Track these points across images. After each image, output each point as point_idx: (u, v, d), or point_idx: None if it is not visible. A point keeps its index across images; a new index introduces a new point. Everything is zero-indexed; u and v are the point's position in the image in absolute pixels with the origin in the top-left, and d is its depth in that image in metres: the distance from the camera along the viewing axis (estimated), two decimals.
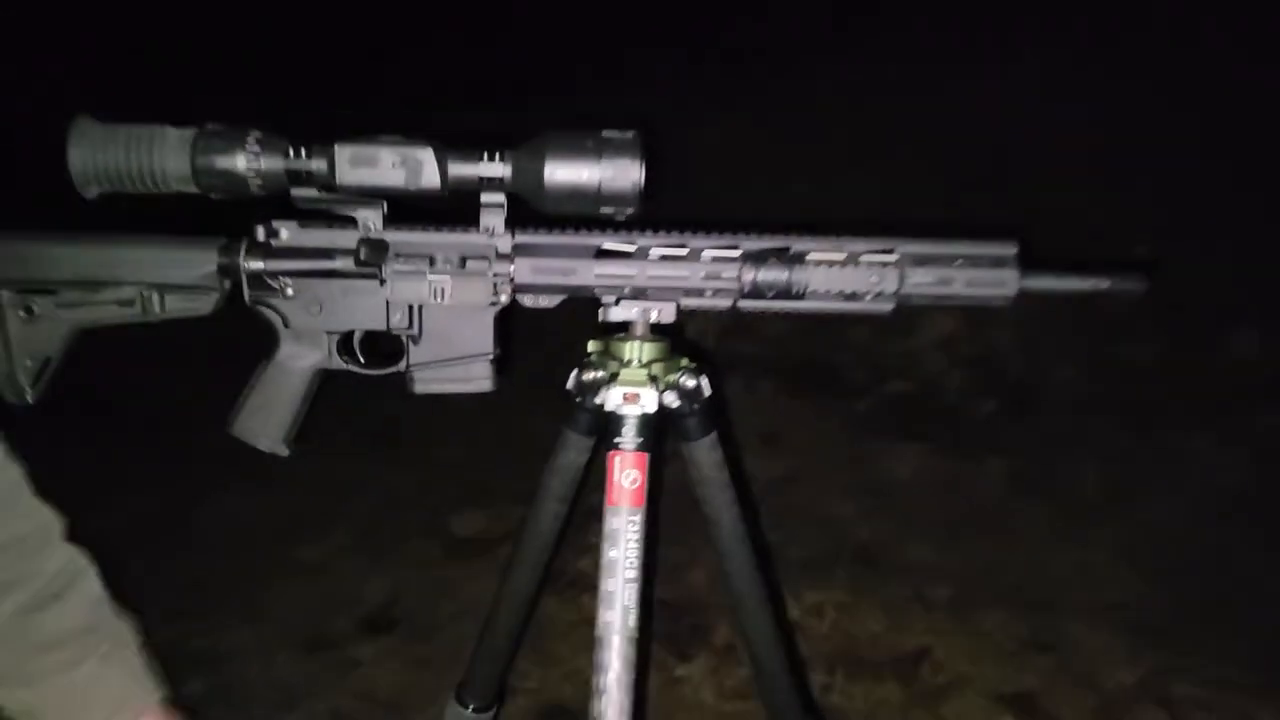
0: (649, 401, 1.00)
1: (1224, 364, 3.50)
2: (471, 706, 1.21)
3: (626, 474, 0.99)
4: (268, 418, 1.02)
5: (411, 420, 3.45)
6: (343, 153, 0.94)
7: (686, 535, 3.03)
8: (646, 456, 1.00)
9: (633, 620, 0.98)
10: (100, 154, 0.93)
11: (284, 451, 1.03)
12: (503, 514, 3.24)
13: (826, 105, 4.56)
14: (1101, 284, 1.02)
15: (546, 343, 1.22)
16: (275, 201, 0.97)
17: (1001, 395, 3.68)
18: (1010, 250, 1.02)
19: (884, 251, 1.01)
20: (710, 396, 1.05)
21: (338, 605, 2.97)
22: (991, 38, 4.51)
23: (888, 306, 1.02)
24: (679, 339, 1.06)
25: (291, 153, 0.94)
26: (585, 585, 2.99)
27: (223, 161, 0.93)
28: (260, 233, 1.00)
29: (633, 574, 0.98)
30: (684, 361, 1.05)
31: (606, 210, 0.96)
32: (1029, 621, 2.64)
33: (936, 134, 4.16)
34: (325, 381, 1.05)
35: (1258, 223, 3.51)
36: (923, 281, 1.01)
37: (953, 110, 4.24)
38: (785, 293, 1.00)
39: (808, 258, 1.00)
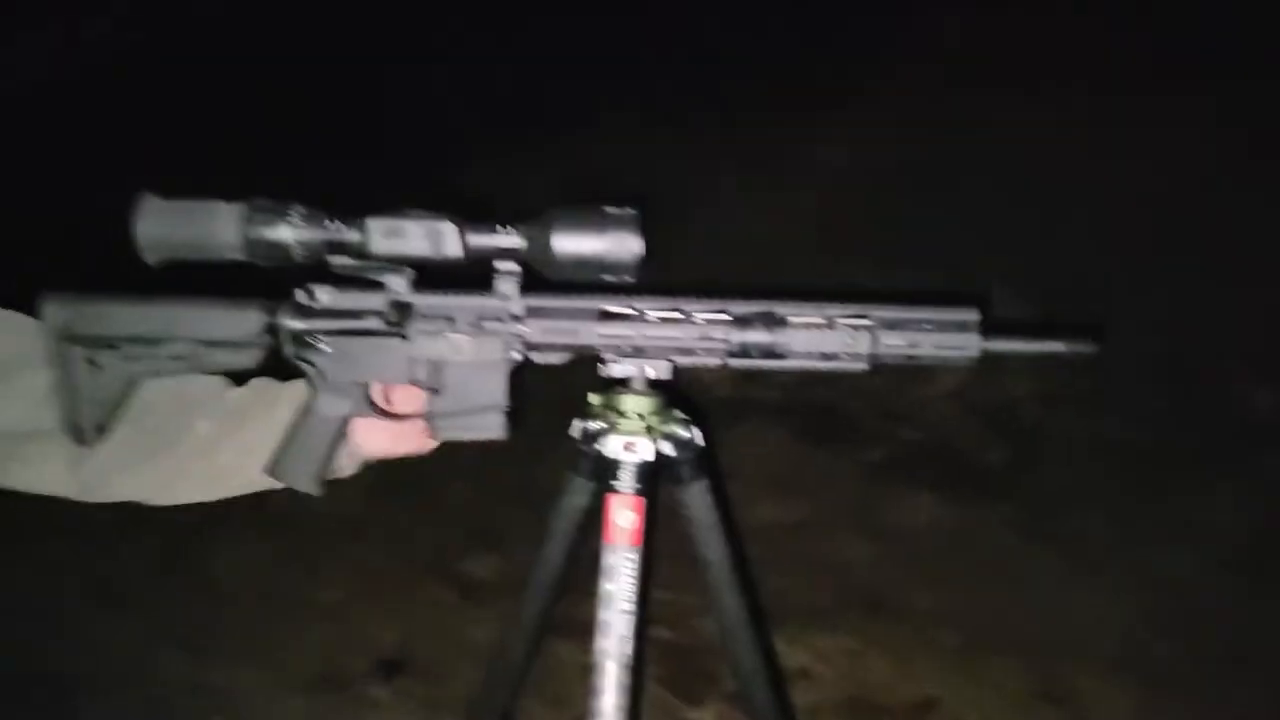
0: (645, 450, 1.13)
1: (1237, 413, 3.58)
2: None
3: (623, 515, 1.12)
4: (303, 461, 1.15)
5: (420, 465, 3.58)
6: (375, 226, 1.08)
7: (697, 581, 3.12)
8: (643, 500, 1.13)
9: (628, 649, 1.10)
10: (162, 226, 1.07)
11: (317, 491, 1.16)
12: (514, 557, 3.35)
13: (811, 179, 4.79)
14: (1056, 347, 1.14)
15: (553, 395, 1.34)
16: (314, 268, 1.11)
17: (1014, 444, 3.77)
18: (973, 316, 1.14)
19: (858, 316, 1.14)
20: (702, 446, 1.18)
21: (350, 647, 3.07)
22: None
23: (862, 366, 1.15)
24: (674, 393, 1.19)
25: (329, 225, 1.08)
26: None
27: (269, 233, 1.07)
28: (300, 295, 1.14)
29: (628, 606, 1.10)
30: (678, 413, 1.18)
31: (608, 277, 1.10)
32: (1040, 672, 2.70)
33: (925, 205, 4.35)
34: None
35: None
36: (894, 344, 1.14)
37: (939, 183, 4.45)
38: (769, 353, 1.13)
39: (790, 321, 1.13)
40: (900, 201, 4.59)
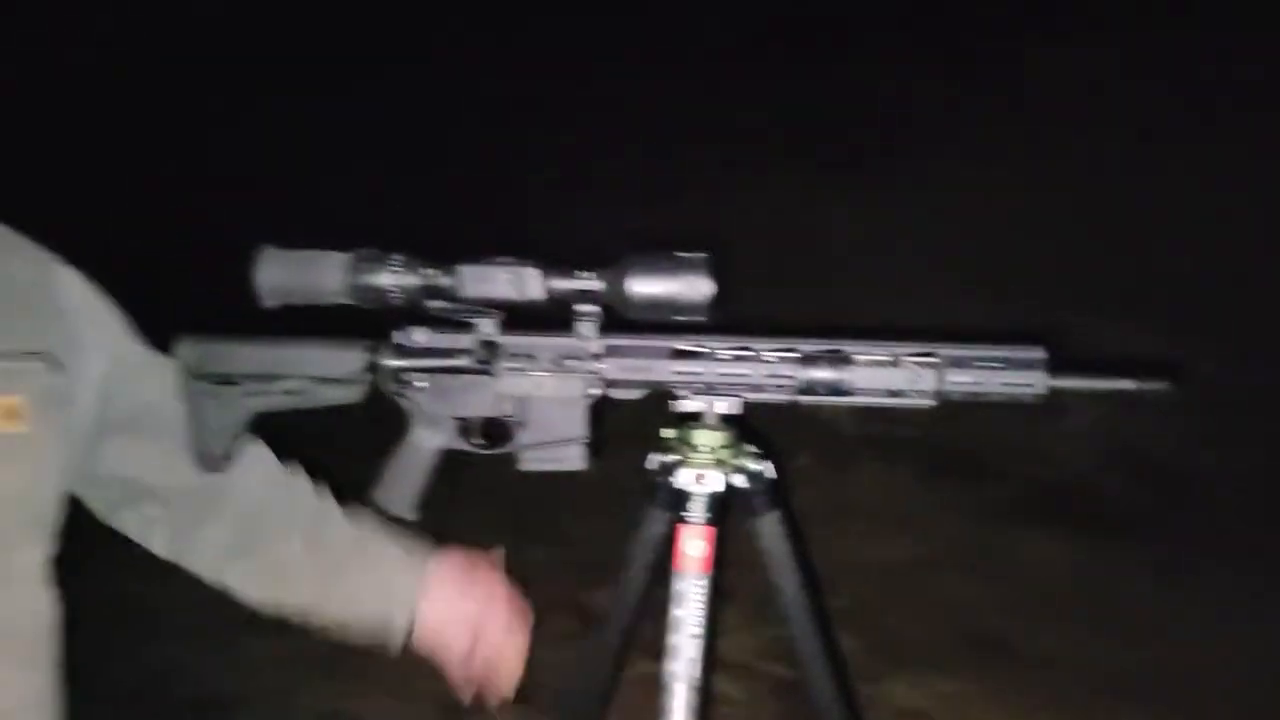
0: (715, 482, 1.20)
1: None
2: None
3: (693, 544, 1.19)
4: (400, 489, 1.27)
5: (546, 501, 3.70)
6: (466, 271, 1.19)
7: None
8: (712, 530, 1.20)
9: (697, 672, 1.16)
10: (278, 274, 1.20)
11: (412, 517, 1.27)
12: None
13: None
14: (1126, 384, 1.16)
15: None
16: (411, 310, 1.23)
17: (1146, 484, 3.68)
18: (1039, 354, 1.18)
19: (925, 354, 1.19)
20: (773, 479, 1.24)
21: None
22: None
23: (929, 402, 1.20)
24: (745, 427, 1.25)
25: (425, 271, 1.20)
26: (715, 665, 3.14)
27: (372, 279, 1.19)
28: (398, 336, 1.25)
29: (696, 631, 1.17)
30: (749, 448, 1.25)
31: (681, 318, 1.18)
32: None
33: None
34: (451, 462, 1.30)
35: None
36: (960, 380, 1.18)
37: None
38: (835, 389, 1.18)
39: (856, 359, 1.19)
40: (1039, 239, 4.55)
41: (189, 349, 1.23)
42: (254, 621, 3.54)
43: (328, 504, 1.34)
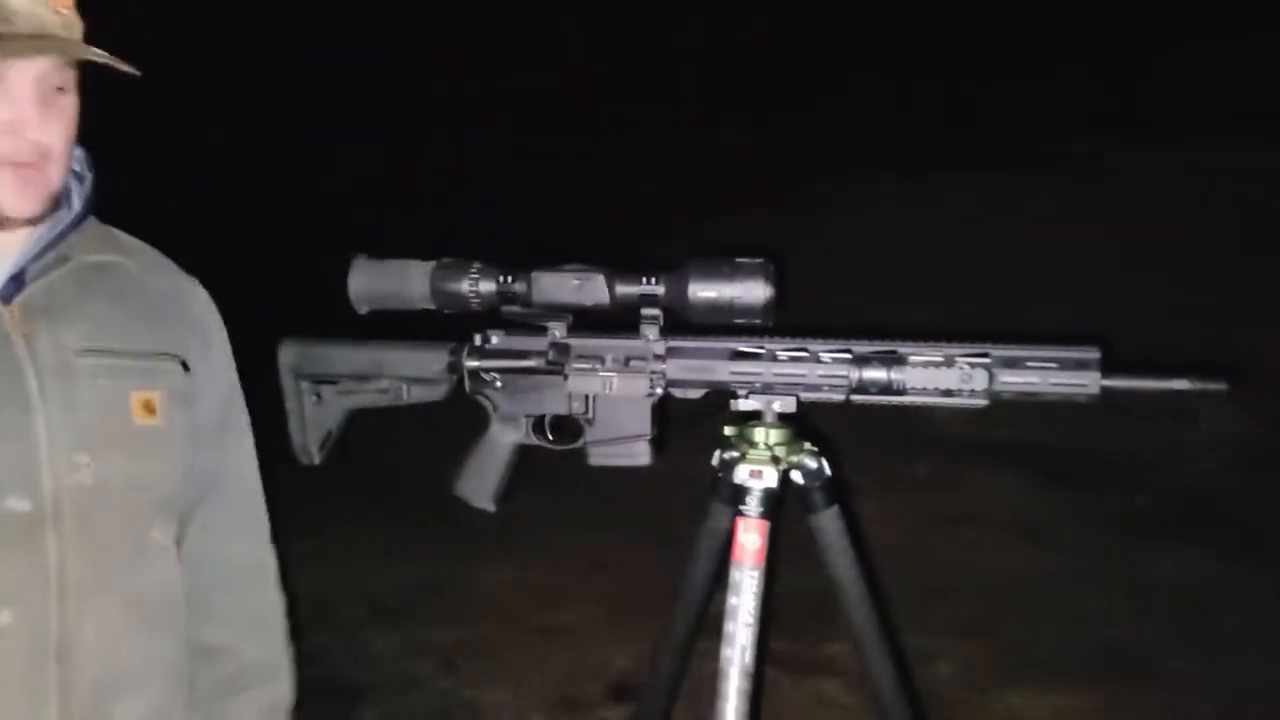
0: (770, 478, 1.26)
1: None
2: None
3: (749, 537, 1.25)
4: (480, 481, 1.37)
5: (656, 502, 3.79)
6: (538, 278, 1.29)
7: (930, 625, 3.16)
8: (766, 524, 1.26)
9: (749, 658, 1.23)
10: (370, 282, 1.33)
11: (491, 508, 1.38)
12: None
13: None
14: (1181, 384, 1.18)
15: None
16: (489, 314, 1.33)
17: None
18: (1093, 354, 1.20)
19: (978, 355, 1.23)
20: (830, 475, 1.30)
21: (588, 671, 3.31)
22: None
23: (981, 402, 1.23)
24: (803, 424, 1.31)
25: (501, 279, 1.30)
26: (829, 671, 3.17)
27: (453, 286, 1.30)
28: (477, 339, 1.35)
29: (750, 620, 1.23)
30: (807, 445, 1.31)
31: (740, 320, 1.25)
32: None
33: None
34: (525, 457, 1.40)
35: None
36: (1011, 381, 1.22)
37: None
38: (887, 389, 1.24)
39: (909, 359, 1.24)
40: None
41: (290, 351, 1.37)
42: (380, 615, 3.76)
43: None
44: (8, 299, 1.12)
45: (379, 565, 4.03)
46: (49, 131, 1.08)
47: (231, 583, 1.32)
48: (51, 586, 1.12)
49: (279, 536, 1.37)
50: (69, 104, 1.10)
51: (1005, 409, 3.62)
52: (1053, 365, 1.21)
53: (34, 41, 1.04)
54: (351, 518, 4.18)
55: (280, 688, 1.34)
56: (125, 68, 1.07)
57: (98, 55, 1.07)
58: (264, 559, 1.35)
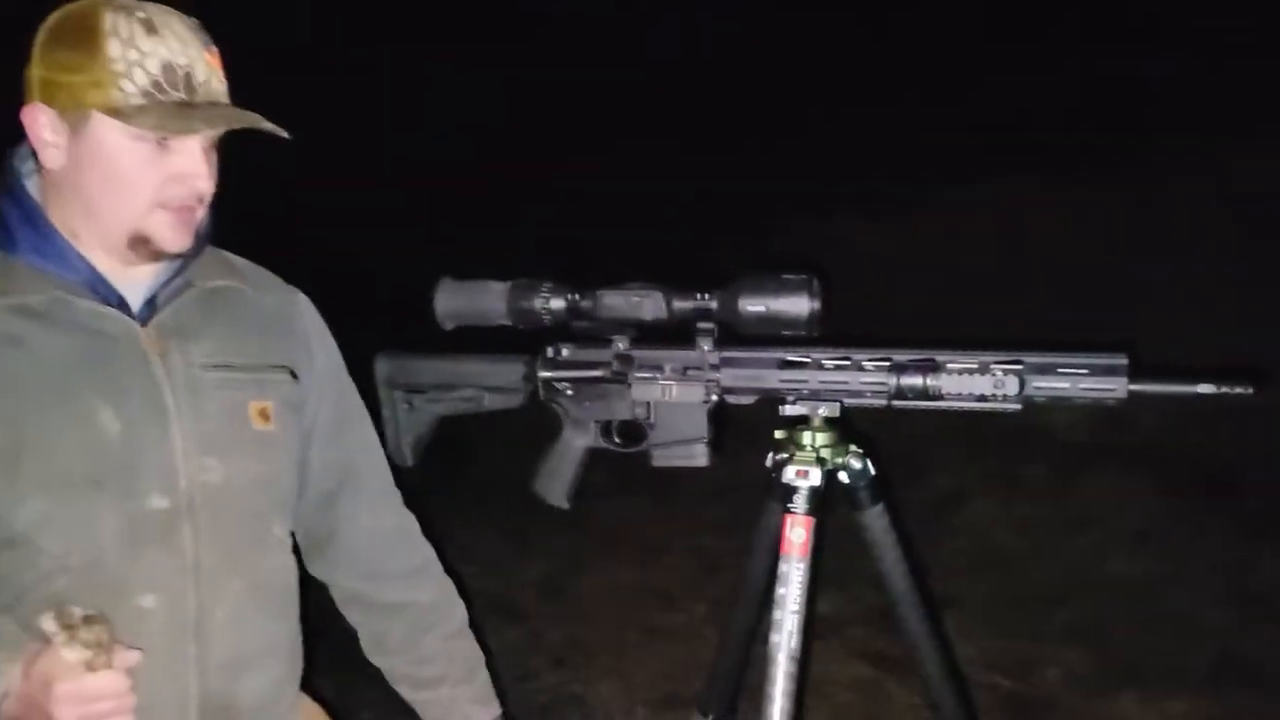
0: (815, 477, 1.38)
1: None
2: (711, 716, 1.62)
3: (796, 532, 1.37)
4: (555, 481, 1.52)
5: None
6: (603, 296, 1.43)
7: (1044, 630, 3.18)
8: (812, 520, 1.38)
9: (795, 643, 1.34)
10: (454, 301, 1.49)
11: (565, 505, 1.52)
12: (858, 596, 3.56)
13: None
14: (1207, 388, 1.24)
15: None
16: (560, 329, 1.48)
17: None
18: (1121, 361, 1.28)
19: (1012, 362, 1.32)
20: (874, 475, 1.40)
21: (694, 669, 3.45)
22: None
23: (1014, 406, 1.32)
24: (848, 427, 1.42)
25: (570, 296, 1.45)
26: (887, 667, 3.24)
27: (526, 304, 1.46)
28: (549, 351, 1.50)
29: (796, 609, 1.35)
30: (852, 447, 1.42)
31: (787, 332, 1.37)
32: None
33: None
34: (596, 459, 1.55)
35: None
36: (1043, 386, 1.30)
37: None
38: (924, 394, 1.33)
39: (946, 367, 1.33)
40: None
41: (385, 363, 1.55)
42: (491, 611, 3.98)
43: None
44: (144, 322, 1.32)
45: (499, 568, 4.25)
46: (207, 181, 1.28)
47: (390, 548, 1.52)
48: (189, 574, 1.30)
49: None
50: (214, 156, 1.30)
51: (1125, 415, 3.60)
52: (1083, 371, 1.29)
53: (217, 111, 1.23)
54: (473, 523, 4.42)
55: (456, 616, 1.58)
56: (283, 133, 1.26)
57: (270, 127, 1.26)
58: (406, 521, 1.55)
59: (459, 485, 3.60)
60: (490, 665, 1.60)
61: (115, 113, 1.20)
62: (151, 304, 1.33)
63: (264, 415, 1.38)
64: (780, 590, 1.37)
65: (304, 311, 1.51)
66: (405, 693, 1.57)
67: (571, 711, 3.34)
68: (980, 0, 6.03)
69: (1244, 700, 2.93)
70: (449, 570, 1.58)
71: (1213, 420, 3.90)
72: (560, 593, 4.10)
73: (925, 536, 3.68)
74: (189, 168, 1.25)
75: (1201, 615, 3.31)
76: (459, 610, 1.58)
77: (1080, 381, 1.29)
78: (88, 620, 1.13)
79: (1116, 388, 1.28)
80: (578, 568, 4.23)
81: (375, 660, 1.56)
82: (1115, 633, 3.38)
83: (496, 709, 1.59)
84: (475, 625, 1.59)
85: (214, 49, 1.27)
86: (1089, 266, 4.56)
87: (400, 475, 1.55)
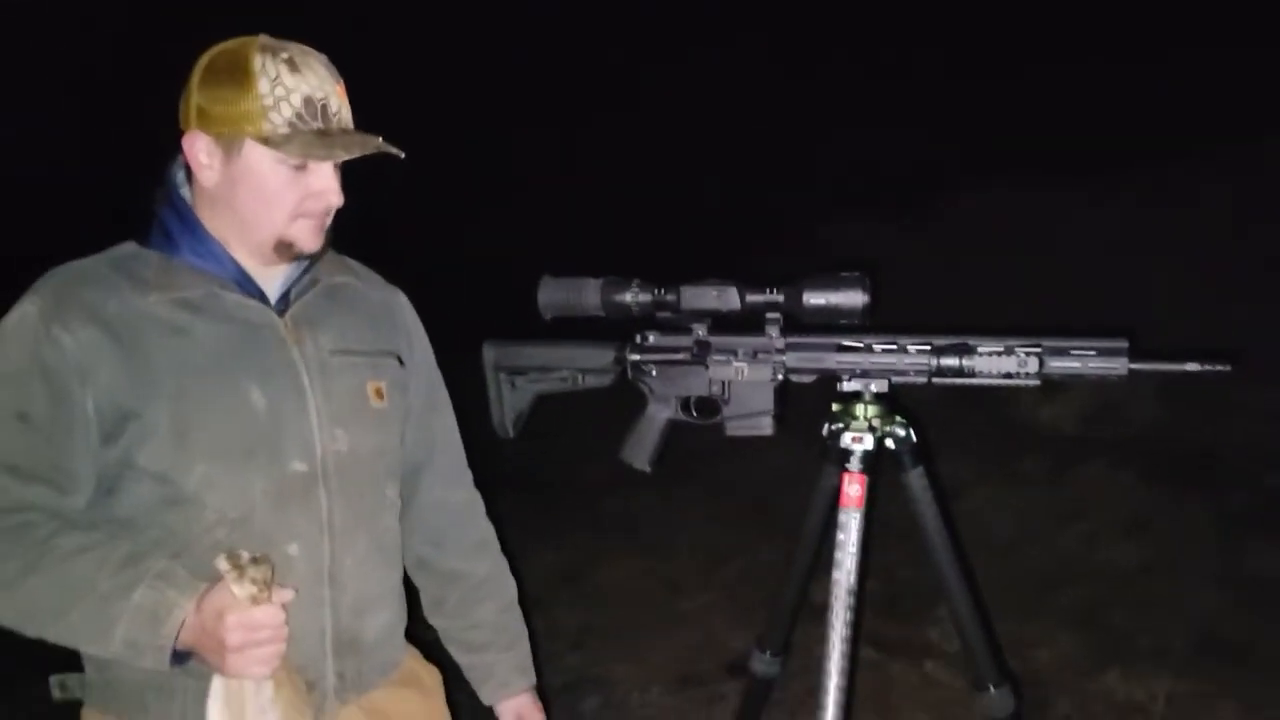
0: (868, 442, 1.69)
1: None
2: (769, 652, 1.93)
3: (852, 487, 1.68)
4: (640, 449, 1.82)
5: (779, 496, 4.17)
6: (685, 290, 1.72)
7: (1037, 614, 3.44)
8: (865, 477, 1.69)
9: (853, 579, 1.65)
10: (554, 295, 1.78)
11: (648, 469, 1.82)
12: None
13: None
14: (1192, 367, 1.55)
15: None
16: (646, 319, 1.78)
17: None
18: (1122, 344, 1.58)
19: (1033, 345, 1.63)
20: (915, 442, 1.72)
21: (706, 651, 3.71)
22: None
23: (1035, 382, 1.63)
24: (895, 402, 1.74)
25: (655, 291, 1.75)
26: (933, 653, 3.52)
27: (617, 297, 1.75)
28: (637, 338, 1.79)
29: (853, 550, 1.66)
30: (898, 418, 1.73)
31: (843, 321, 1.67)
32: None
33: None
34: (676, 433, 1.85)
35: None
36: (1058, 365, 1.60)
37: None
38: (959, 373, 1.64)
39: (978, 350, 1.64)
40: None
41: (492, 349, 1.84)
42: (520, 600, 4.24)
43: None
44: (280, 313, 1.58)
45: (513, 558, 4.50)
46: (337, 195, 1.57)
47: (457, 521, 1.78)
48: (324, 528, 1.56)
49: None
50: (338, 171, 1.56)
51: (1117, 409, 3.88)
52: (1091, 353, 1.60)
53: (349, 138, 1.50)
54: (491, 517, 4.68)
55: (507, 591, 1.83)
56: (401, 154, 1.54)
57: (392, 150, 1.53)
58: (474, 499, 1.82)
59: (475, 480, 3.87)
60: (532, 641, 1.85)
61: (265, 141, 1.44)
62: (285, 298, 1.59)
63: (379, 394, 1.64)
64: (840, 536, 1.67)
65: (404, 307, 1.78)
66: (456, 654, 1.81)
67: (591, 691, 3.59)
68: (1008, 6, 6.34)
69: (1226, 675, 3.19)
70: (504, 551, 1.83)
71: (1200, 415, 4.22)
72: (576, 582, 4.36)
73: (914, 527, 3.97)
74: (324, 185, 1.50)
75: (1187, 599, 3.57)
76: (510, 586, 1.84)
77: (1089, 361, 1.60)
78: (254, 561, 1.36)
79: (1119, 366, 1.58)
80: (592, 559, 4.49)
81: (433, 621, 1.81)
82: (1106, 616, 3.63)
83: (532, 679, 1.84)
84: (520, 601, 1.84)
85: (342, 82, 1.55)
86: (1103, 268, 4.85)
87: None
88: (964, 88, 6.29)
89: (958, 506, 4.33)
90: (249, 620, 1.35)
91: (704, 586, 4.11)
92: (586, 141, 7.48)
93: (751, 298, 1.70)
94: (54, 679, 1.56)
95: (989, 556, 4.05)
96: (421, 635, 1.78)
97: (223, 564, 1.34)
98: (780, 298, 1.68)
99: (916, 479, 1.73)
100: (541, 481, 5.00)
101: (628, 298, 1.73)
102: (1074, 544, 3.99)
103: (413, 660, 1.80)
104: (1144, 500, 4.01)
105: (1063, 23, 6.21)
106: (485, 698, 1.82)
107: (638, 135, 7.33)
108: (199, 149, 1.48)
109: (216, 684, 1.37)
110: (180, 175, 1.56)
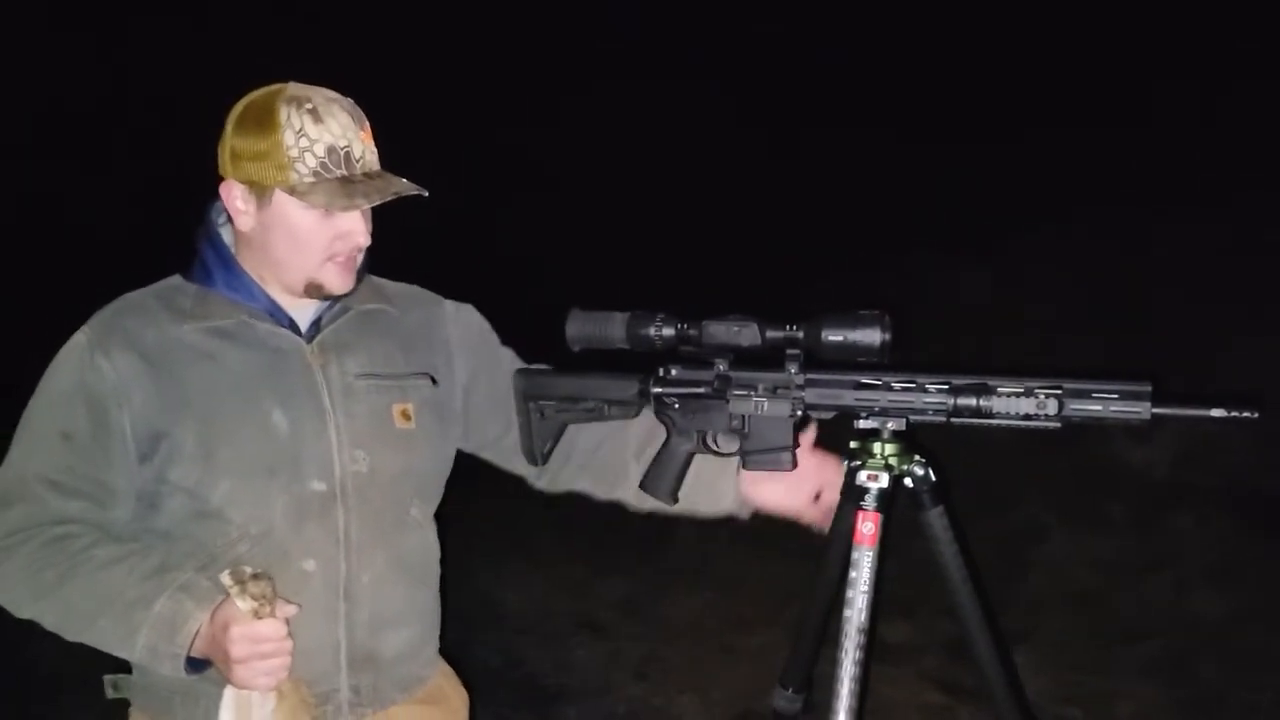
0: (884, 480, 1.72)
1: None
2: (791, 689, 1.97)
3: (866, 525, 1.71)
4: (662, 481, 1.88)
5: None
6: (707, 326, 1.78)
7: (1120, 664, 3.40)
8: (880, 516, 1.72)
9: (864, 617, 1.68)
10: (582, 328, 1.86)
11: (670, 503, 1.87)
12: (929, 625, 3.85)
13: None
14: (1218, 413, 1.55)
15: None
16: (669, 352, 1.84)
17: None
18: (1146, 388, 1.59)
19: (1053, 387, 1.64)
20: (935, 481, 1.74)
21: (770, 687, 3.73)
22: None
23: (1055, 425, 1.64)
24: (913, 440, 1.76)
25: (679, 326, 1.81)
26: (960, 696, 3.49)
27: (642, 331, 1.81)
28: (661, 371, 1.86)
29: (865, 589, 1.69)
30: (917, 456, 1.76)
31: (862, 359, 1.71)
32: None
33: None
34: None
35: None
36: (1079, 408, 1.62)
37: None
38: (977, 413, 1.67)
39: (997, 390, 1.66)
40: None
41: (522, 379, 1.92)
42: (582, 628, 4.37)
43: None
44: (309, 340, 1.72)
45: (583, 587, 4.61)
46: (365, 236, 1.68)
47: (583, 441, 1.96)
48: (340, 545, 1.67)
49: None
50: (369, 212, 1.68)
51: (1204, 454, 3.85)
52: (1114, 396, 1.61)
53: (372, 184, 1.61)
54: (559, 550, 4.79)
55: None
56: (424, 193, 1.65)
57: (416, 190, 1.65)
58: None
59: (548, 516, 3.98)
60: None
61: (291, 191, 1.58)
62: (316, 324, 1.73)
63: (405, 415, 1.76)
64: (853, 574, 1.71)
65: (446, 320, 1.89)
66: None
67: None
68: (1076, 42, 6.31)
69: None
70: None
71: None
72: (642, 612, 4.44)
73: (1002, 571, 3.96)
74: (351, 227, 1.64)
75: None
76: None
77: (1110, 405, 1.61)
78: (255, 577, 1.49)
79: (1141, 410, 1.59)
80: (660, 590, 4.57)
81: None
82: (1191, 669, 3.60)
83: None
84: None
85: (367, 126, 1.66)
86: (1167, 305, 4.79)
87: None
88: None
89: (1037, 551, 4.29)
90: (252, 633, 1.46)
91: (770, 623, 4.14)
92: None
93: (771, 334, 1.75)
94: (107, 679, 1.71)
95: (1068, 604, 4.02)
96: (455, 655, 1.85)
97: (225, 579, 1.46)
98: (800, 334, 1.74)
99: (936, 519, 1.76)
100: (613, 510, 5.07)
101: (652, 331, 1.80)
102: (1159, 592, 3.93)
103: (443, 679, 1.89)
104: (1236, 548, 3.94)
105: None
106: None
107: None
108: (235, 196, 1.63)
109: (228, 693, 1.48)
110: (220, 216, 1.71)
